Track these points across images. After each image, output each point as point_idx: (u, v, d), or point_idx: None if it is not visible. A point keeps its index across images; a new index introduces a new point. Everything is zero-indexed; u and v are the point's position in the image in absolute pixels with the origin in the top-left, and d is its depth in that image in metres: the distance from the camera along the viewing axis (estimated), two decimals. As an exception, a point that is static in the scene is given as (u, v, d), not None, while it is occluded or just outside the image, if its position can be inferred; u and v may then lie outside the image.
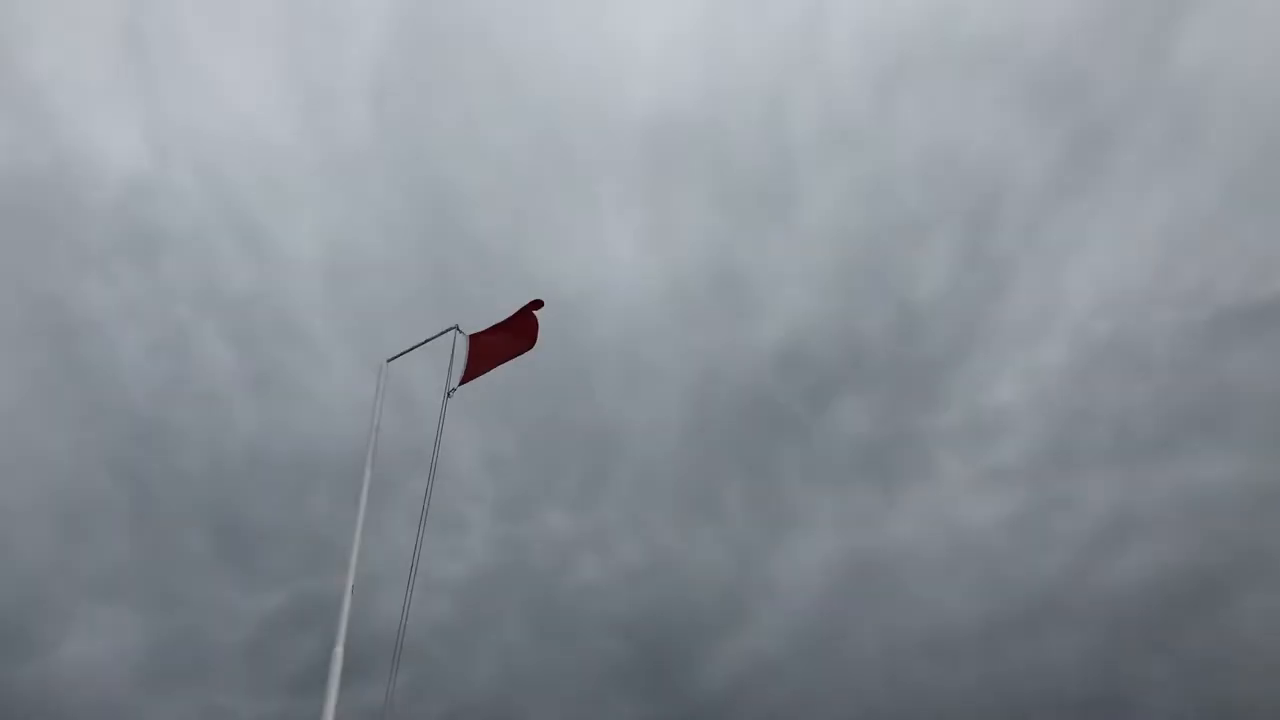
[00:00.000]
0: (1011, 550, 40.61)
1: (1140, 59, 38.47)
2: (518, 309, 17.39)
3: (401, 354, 16.46)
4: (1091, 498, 40.66)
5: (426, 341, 16.60)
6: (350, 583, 13.96)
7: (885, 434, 42.74)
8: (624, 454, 42.38)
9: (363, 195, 39.10)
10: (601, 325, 39.59)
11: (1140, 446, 40.58)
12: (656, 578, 41.06)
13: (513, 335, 17.29)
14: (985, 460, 42.16)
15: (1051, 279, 41.62)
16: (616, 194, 40.85)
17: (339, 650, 13.45)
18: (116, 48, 36.18)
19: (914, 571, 40.74)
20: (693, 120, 39.99)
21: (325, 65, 38.05)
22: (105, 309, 36.72)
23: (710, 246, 41.69)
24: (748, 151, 40.69)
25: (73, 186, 35.85)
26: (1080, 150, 39.79)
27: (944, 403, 42.53)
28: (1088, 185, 40.30)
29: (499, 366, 17.41)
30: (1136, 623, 38.54)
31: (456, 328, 16.88)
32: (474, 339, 17.05)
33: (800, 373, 43.00)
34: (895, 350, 42.50)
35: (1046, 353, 41.65)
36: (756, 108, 40.20)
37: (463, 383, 16.57)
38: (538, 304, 17.42)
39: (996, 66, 39.15)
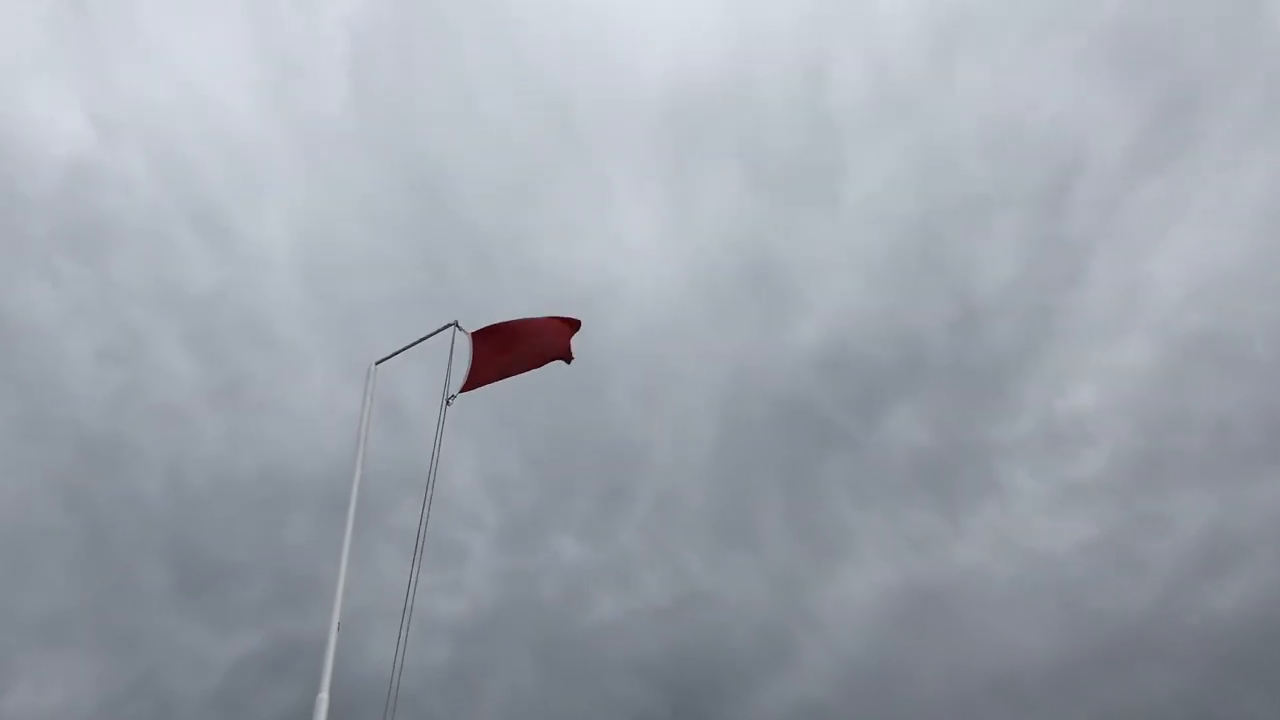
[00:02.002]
0: (1093, 578, 40.50)
1: (1234, 14, 38.31)
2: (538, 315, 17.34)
3: (393, 355, 16.35)
4: (1185, 517, 40.58)
5: (421, 340, 16.48)
6: (336, 621, 13.79)
7: (946, 446, 42.70)
8: (645, 472, 42.45)
9: (341, 178, 39.15)
10: (618, 324, 39.54)
11: (1240, 457, 40.45)
12: (684, 614, 41.02)
13: (533, 338, 17.13)
14: (1062, 475, 42.14)
15: (1135, 266, 41.55)
16: (633, 173, 40.86)
17: (323, 696, 13.27)
18: (54, 13, 36.22)
19: (981, 603, 40.66)
20: (720, 87, 40.00)
21: (296, 28, 38.10)
22: (47, 311, 36.70)
23: (742, 233, 41.72)
24: (784, 123, 40.72)
25: (7, 172, 35.88)
26: (1167, 118, 39.67)
27: (1013, 410, 42.49)
28: (1176, 158, 40.18)
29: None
30: (1237, 658, 38.33)
31: (456, 324, 16.75)
32: (478, 337, 16.88)
33: (847, 377, 43.01)
34: (956, 350, 42.44)
35: (1131, 351, 41.57)
36: (794, 72, 40.19)
37: (465, 389, 16.40)
38: (574, 324, 17.42)
39: (1071, 23, 39.03)
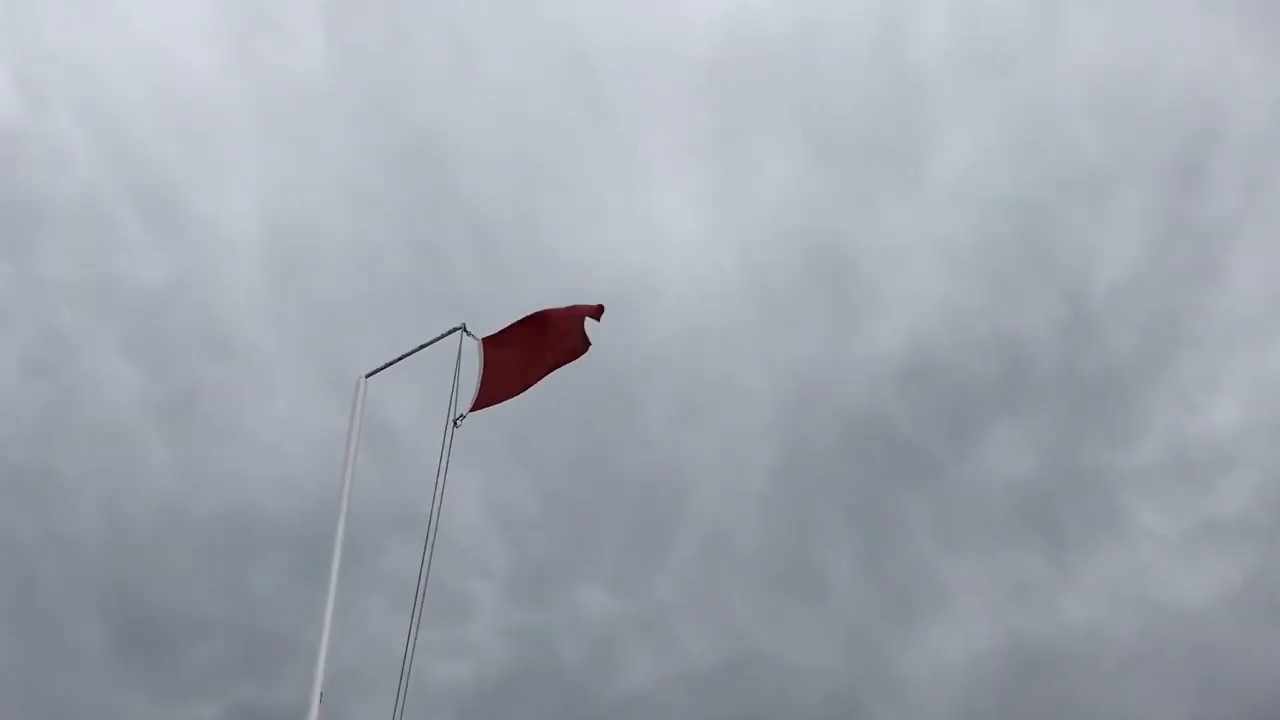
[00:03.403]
0: (1234, 636, 40.35)
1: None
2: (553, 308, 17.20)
3: (386, 366, 16.28)
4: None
5: (422, 348, 16.40)
6: (318, 688, 13.77)
7: (1054, 476, 42.65)
8: (688, 507, 42.49)
9: (318, 151, 39.18)
10: (654, 328, 39.55)
11: None
12: (735, 680, 41.04)
13: (554, 334, 17.04)
14: (1196, 511, 42.09)
15: (1286, 254, 41.32)
16: (672, 145, 40.82)
17: (304, 781, 13.28)
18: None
19: (1098, 667, 40.56)
20: (776, 41, 39.92)
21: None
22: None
23: (804, 217, 41.67)
24: (856, 83, 40.64)
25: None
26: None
27: (1136, 431, 42.43)
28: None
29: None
30: None
31: (464, 328, 16.65)
32: (491, 344, 16.79)
33: (933, 392, 43.00)
34: (1066, 359, 42.46)
35: (1280, 359, 41.33)
36: (868, 22, 40.13)
37: (477, 407, 16.31)
38: (594, 311, 17.25)
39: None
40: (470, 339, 16.63)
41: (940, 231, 41.69)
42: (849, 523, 43.09)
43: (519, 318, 17.15)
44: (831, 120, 41.08)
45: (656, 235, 40.97)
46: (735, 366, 41.87)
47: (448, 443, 15.73)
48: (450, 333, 16.58)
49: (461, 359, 16.36)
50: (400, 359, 16.33)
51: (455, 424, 15.84)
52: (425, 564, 15.05)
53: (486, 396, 16.46)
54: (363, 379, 16.25)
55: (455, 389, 16.17)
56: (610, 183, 40.55)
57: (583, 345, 17.22)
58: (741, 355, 41.78)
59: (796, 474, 42.55)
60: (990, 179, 41.16)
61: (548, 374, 17.15)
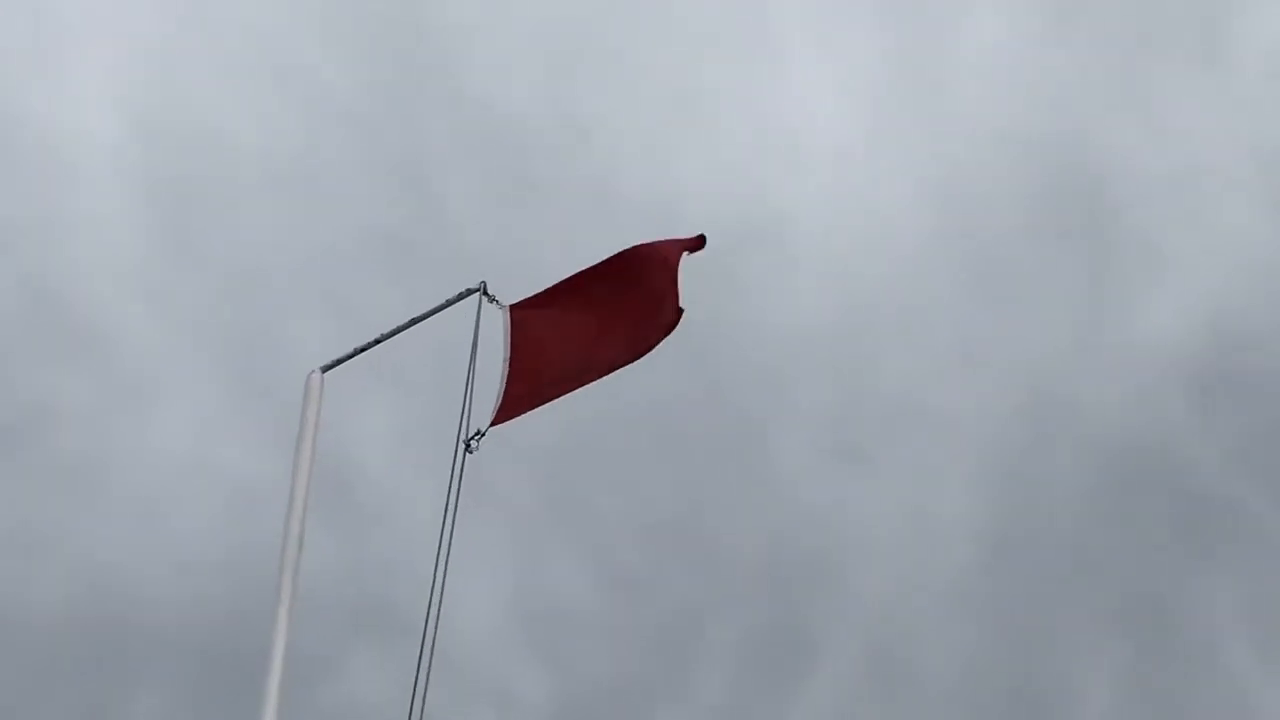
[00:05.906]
0: None
1: None
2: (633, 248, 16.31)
3: (354, 354, 15.41)
4: None
5: (413, 324, 15.54)
6: None
7: None
8: (843, 598, 41.80)
9: (226, 21, 39.06)
10: (786, 306, 39.09)
11: None
12: None
13: (623, 296, 16.14)
14: None
15: None
16: (812, 5, 40.39)
17: None
18: None
19: None
20: None
21: None
22: None
23: (1032, 122, 41.16)
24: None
25: None
26: None
27: None
28: None
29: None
30: None
31: (483, 290, 15.77)
32: (523, 313, 15.89)
33: (1247, 408, 42.37)
34: None
35: None
36: None
37: (501, 419, 15.33)
38: (696, 244, 16.33)
39: None
40: (493, 306, 15.77)
41: (1255, 143, 41.27)
42: (1110, 620, 42.74)
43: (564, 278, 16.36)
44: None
45: (788, 152, 40.72)
46: (922, 368, 41.49)
47: (455, 481, 14.86)
48: (462, 297, 15.72)
49: (479, 338, 15.59)
50: (375, 343, 15.51)
51: (467, 447, 14.83)
52: (419, 689, 14.38)
53: (517, 400, 15.43)
54: (317, 374, 15.44)
55: (470, 387, 15.21)
56: (709, 66, 40.35)
57: (672, 311, 16.25)
58: (932, 349, 41.41)
59: (1022, 543, 42.24)
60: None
61: (622, 365, 16.30)
